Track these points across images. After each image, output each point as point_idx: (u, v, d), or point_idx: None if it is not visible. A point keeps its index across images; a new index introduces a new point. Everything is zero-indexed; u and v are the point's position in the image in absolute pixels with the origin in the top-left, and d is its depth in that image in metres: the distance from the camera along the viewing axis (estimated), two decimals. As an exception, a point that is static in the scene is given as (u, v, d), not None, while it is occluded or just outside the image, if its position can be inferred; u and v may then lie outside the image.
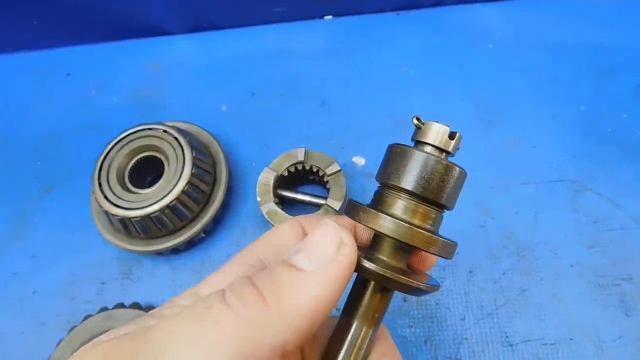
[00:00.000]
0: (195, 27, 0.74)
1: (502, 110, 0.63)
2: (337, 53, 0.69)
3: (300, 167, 0.56)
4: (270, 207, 0.53)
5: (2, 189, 0.64)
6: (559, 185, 0.58)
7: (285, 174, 0.55)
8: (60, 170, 0.65)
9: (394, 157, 0.30)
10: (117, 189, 0.54)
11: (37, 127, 0.69)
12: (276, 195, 0.55)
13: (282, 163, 0.56)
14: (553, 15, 0.70)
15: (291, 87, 0.67)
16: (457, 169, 0.30)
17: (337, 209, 0.52)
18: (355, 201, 0.30)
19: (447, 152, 0.30)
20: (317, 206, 0.55)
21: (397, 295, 0.52)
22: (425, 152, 0.29)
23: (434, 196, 0.29)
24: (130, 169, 0.56)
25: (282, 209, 0.54)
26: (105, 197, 0.53)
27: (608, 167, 0.58)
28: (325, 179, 0.55)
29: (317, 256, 0.25)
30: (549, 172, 0.58)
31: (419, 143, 0.31)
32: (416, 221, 0.29)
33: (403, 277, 0.28)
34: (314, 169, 0.56)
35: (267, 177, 0.55)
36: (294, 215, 0.53)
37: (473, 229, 0.55)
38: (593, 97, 0.63)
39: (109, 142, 0.56)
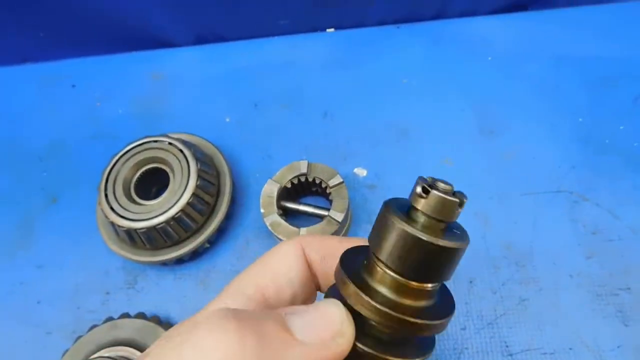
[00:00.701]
0: (200, 39, 0.75)
1: (501, 121, 0.64)
2: (339, 65, 0.71)
3: (303, 179, 0.57)
4: (273, 218, 0.54)
5: (9, 198, 0.65)
6: (558, 196, 0.59)
7: (289, 185, 0.56)
8: (66, 181, 0.66)
9: (383, 226, 0.26)
10: (123, 200, 0.54)
11: (43, 137, 0.70)
12: (279, 206, 0.56)
13: (285, 175, 0.56)
14: (551, 27, 0.71)
15: (294, 98, 0.69)
16: (458, 248, 0.25)
17: (339, 220, 0.53)
18: (344, 277, 0.26)
19: (447, 223, 0.26)
20: (320, 217, 0.56)
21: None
22: (418, 232, 0.24)
23: (427, 278, 0.25)
24: (136, 181, 0.56)
25: (286, 220, 0.54)
26: (112, 209, 0.54)
27: (607, 177, 0.59)
28: (327, 191, 0.56)
29: (312, 331, 0.25)
30: (548, 183, 0.59)
31: (413, 211, 0.25)
32: (407, 301, 0.25)
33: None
34: (317, 181, 0.57)
35: (270, 189, 0.56)
36: (297, 226, 0.54)
37: (473, 239, 0.55)
38: (592, 108, 0.64)
39: (115, 154, 0.57)
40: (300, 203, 0.58)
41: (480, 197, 0.59)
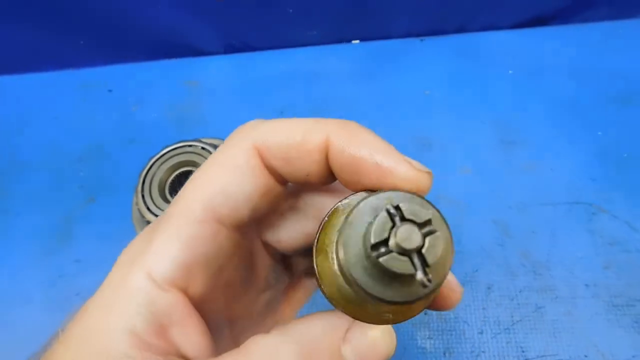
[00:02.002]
0: (231, 48, 0.79)
1: (521, 133, 0.66)
2: (364, 76, 0.73)
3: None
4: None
5: (50, 197, 0.69)
6: (576, 207, 0.60)
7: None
8: (103, 181, 0.70)
9: None
10: (159, 200, 0.58)
11: (81, 140, 0.74)
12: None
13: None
14: (572, 42, 0.73)
15: (319, 107, 0.71)
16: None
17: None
18: None
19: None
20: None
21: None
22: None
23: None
24: (171, 183, 0.60)
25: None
26: (148, 208, 0.57)
27: (624, 191, 0.60)
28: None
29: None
30: (567, 194, 0.61)
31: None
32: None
33: None
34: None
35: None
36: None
37: (492, 247, 0.58)
38: (611, 122, 0.66)
39: (152, 157, 0.61)
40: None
41: (499, 207, 0.60)
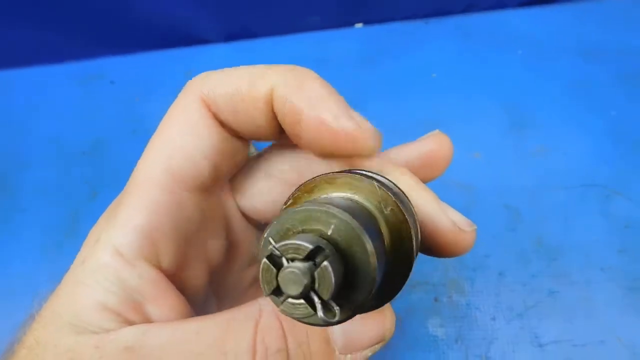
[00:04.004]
0: (231, 36, 0.77)
1: (532, 116, 0.64)
2: (368, 60, 0.72)
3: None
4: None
5: (56, 191, 0.68)
6: (590, 190, 0.58)
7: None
8: (107, 175, 0.69)
9: None
10: (163, 192, 0.57)
11: (85, 133, 0.73)
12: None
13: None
14: (582, 20, 0.70)
15: (324, 93, 0.70)
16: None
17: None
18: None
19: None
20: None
21: (428, 296, 0.54)
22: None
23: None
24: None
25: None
26: (152, 200, 0.56)
27: (639, 172, 0.59)
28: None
29: (352, 343, 0.24)
30: (580, 177, 0.59)
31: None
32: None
33: None
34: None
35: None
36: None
37: (503, 232, 0.57)
38: (624, 102, 0.64)
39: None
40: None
41: (510, 191, 0.59)
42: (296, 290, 0.16)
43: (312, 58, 0.73)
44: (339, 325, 0.22)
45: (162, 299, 0.24)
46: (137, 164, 0.26)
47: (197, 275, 0.28)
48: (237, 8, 0.74)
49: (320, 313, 0.17)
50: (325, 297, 0.17)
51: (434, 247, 0.26)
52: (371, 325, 0.23)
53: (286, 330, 0.22)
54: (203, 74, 0.27)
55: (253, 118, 0.25)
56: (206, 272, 0.28)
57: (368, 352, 0.24)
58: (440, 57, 0.70)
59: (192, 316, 0.25)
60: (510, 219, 0.57)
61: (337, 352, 0.23)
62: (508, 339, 0.51)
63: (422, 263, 0.54)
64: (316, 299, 0.17)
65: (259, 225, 0.31)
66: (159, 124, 0.26)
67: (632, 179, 0.58)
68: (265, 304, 0.23)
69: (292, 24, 0.76)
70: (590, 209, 0.57)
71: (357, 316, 0.20)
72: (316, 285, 0.17)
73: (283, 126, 0.26)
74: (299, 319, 0.17)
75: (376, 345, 0.24)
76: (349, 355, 0.23)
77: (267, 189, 0.29)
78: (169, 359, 0.21)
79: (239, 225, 0.30)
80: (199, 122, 0.25)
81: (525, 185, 0.59)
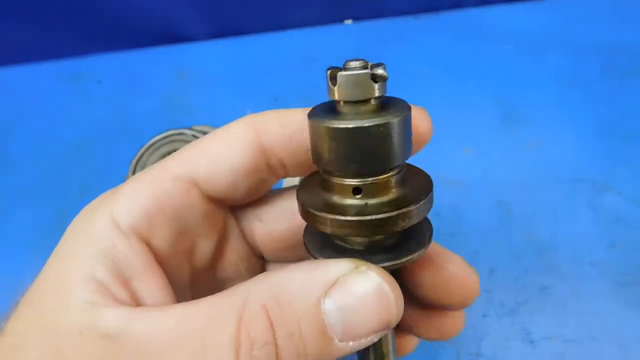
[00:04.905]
0: (220, 33, 0.77)
1: (522, 110, 0.64)
2: (358, 57, 0.71)
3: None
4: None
5: (44, 190, 0.67)
6: (580, 185, 0.58)
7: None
8: (94, 173, 0.68)
9: (313, 136, 0.24)
10: (150, 191, 0.56)
11: (72, 132, 0.72)
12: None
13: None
14: (572, 15, 0.70)
15: (313, 91, 0.69)
16: (381, 124, 0.22)
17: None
18: (305, 208, 0.24)
19: (365, 101, 0.23)
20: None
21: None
22: (338, 123, 0.22)
23: (376, 167, 0.23)
24: (162, 172, 0.58)
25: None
26: (139, 199, 0.56)
27: (629, 167, 0.59)
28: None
29: (353, 329, 0.21)
30: (570, 172, 0.59)
31: (335, 105, 0.24)
32: (373, 200, 0.23)
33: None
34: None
35: (291, 179, 0.57)
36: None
37: (494, 227, 0.57)
38: (614, 97, 0.64)
39: (142, 146, 0.59)
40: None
41: (501, 186, 0.59)
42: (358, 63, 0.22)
43: (302, 55, 0.73)
44: (337, 311, 0.21)
45: (151, 278, 0.24)
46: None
47: (181, 267, 0.28)
48: (225, 5, 0.73)
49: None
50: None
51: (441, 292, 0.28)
52: (374, 310, 0.21)
53: (274, 320, 0.21)
54: (260, 114, 0.28)
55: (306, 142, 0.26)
56: (188, 272, 0.29)
57: (373, 338, 0.22)
58: (430, 53, 0.70)
59: (174, 298, 0.25)
60: (500, 214, 0.57)
61: (336, 340, 0.21)
62: (499, 336, 0.51)
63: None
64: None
65: (254, 248, 0.32)
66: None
67: (621, 174, 0.58)
68: (249, 293, 0.21)
69: (281, 21, 0.75)
70: (580, 204, 0.57)
71: (358, 299, 0.21)
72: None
73: None
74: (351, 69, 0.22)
75: (383, 330, 0.22)
76: (350, 342, 0.21)
77: (276, 217, 0.30)
78: (146, 351, 0.21)
79: (233, 237, 0.31)
80: (239, 137, 0.26)
81: (515, 180, 0.59)
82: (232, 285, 0.32)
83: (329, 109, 0.24)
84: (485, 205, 0.58)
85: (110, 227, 0.24)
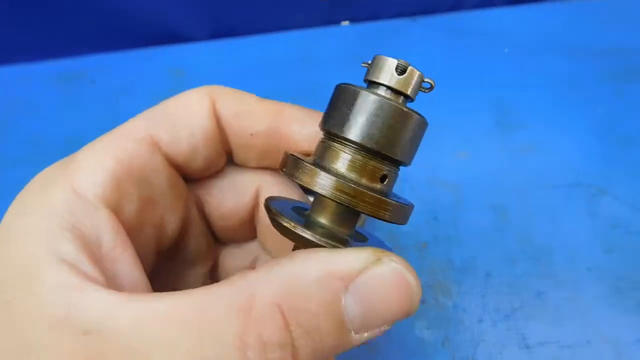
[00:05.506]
0: (216, 34, 0.76)
1: (519, 114, 0.64)
2: (354, 59, 0.70)
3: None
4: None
5: (34, 193, 0.66)
6: (577, 189, 0.58)
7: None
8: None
9: (339, 99, 0.25)
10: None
11: (64, 131, 0.71)
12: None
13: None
14: (569, 18, 0.70)
15: (309, 92, 0.69)
16: (416, 116, 0.25)
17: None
18: (295, 155, 0.25)
19: (405, 96, 0.26)
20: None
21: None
22: (377, 95, 0.25)
23: (386, 150, 0.24)
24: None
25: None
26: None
27: (626, 171, 0.58)
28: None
29: (372, 321, 0.20)
30: (567, 176, 0.59)
31: (370, 84, 0.26)
32: (364, 180, 0.24)
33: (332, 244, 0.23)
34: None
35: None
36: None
37: (490, 232, 0.56)
38: (611, 100, 0.63)
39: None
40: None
41: (497, 190, 0.58)
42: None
43: (299, 56, 0.72)
44: (356, 300, 0.20)
45: (123, 253, 0.22)
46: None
47: (146, 250, 0.25)
48: (222, 5, 0.73)
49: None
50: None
51: None
52: (397, 301, 0.20)
53: (290, 320, 0.19)
54: (218, 86, 0.28)
55: (253, 124, 0.27)
56: (153, 250, 0.26)
57: (386, 327, 0.21)
58: (427, 55, 0.69)
59: (144, 274, 0.22)
60: (497, 219, 0.57)
61: (352, 333, 0.20)
62: (495, 341, 0.51)
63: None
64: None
65: (209, 228, 0.31)
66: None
67: (618, 178, 0.58)
68: (257, 288, 0.19)
69: (278, 22, 0.74)
70: (577, 208, 0.57)
71: (381, 292, 0.20)
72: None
73: (279, 141, 0.28)
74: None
75: (409, 313, 0.21)
76: (365, 333, 0.20)
77: (231, 198, 0.30)
78: (134, 351, 0.18)
79: (193, 219, 0.29)
80: (197, 103, 0.26)
81: (512, 184, 0.59)
82: (194, 272, 0.30)
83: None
84: (482, 210, 0.57)
85: (72, 198, 0.21)
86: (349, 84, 0.26)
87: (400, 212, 0.25)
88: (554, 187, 0.58)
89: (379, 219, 0.24)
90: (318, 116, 0.27)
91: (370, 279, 0.20)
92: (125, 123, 0.25)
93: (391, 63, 0.26)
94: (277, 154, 0.28)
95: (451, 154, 0.61)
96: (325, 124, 0.26)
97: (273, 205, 0.25)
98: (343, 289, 0.20)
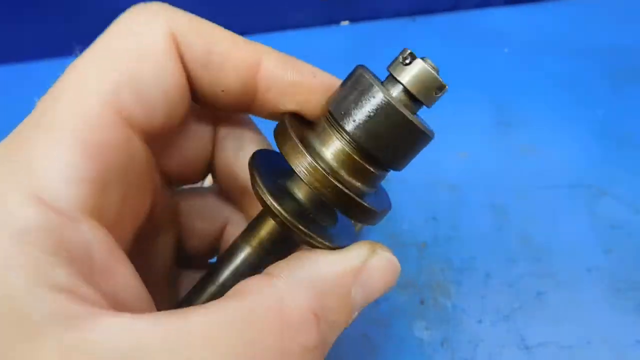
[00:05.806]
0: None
1: (519, 114, 0.63)
2: (354, 58, 0.70)
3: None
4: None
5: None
6: (577, 190, 0.58)
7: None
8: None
9: (353, 83, 0.24)
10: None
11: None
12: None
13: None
14: (569, 18, 0.70)
15: (309, 92, 0.69)
16: (422, 130, 0.24)
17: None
18: (290, 126, 0.25)
19: (420, 103, 0.25)
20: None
21: (414, 298, 0.53)
22: (388, 97, 0.23)
23: (380, 154, 0.24)
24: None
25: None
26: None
27: (627, 172, 0.58)
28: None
29: (368, 301, 0.24)
30: (567, 177, 0.59)
31: (391, 79, 0.25)
32: (344, 173, 0.24)
33: (304, 230, 0.23)
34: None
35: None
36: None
37: (490, 232, 0.56)
38: (612, 101, 0.63)
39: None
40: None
41: (497, 191, 0.58)
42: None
43: (298, 56, 0.71)
44: (361, 288, 0.23)
45: (117, 265, 0.18)
46: (53, 89, 0.19)
47: (126, 244, 0.21)
48: (221, 5, 0.72)
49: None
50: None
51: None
52: (387, 282, 0.24)
53: (321, 319, 0.20)
54: (164, 4, 0.22)
55: (224, 79, 0.23)
56: (132, 239, 0.22)
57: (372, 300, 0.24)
58: (426, 54, 0.69)
59: (142, 282, 0.20)
60: (497, 219, 0.57)
61: (355, 314, 0.23)
62: (494, 342, 0.51)
63: (408, 264, 0.53)
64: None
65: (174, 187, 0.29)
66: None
67: (619, 179, 0.58)
68: (290, 293, 0.20)
69: (278, 22, 0.74)
70: (577, 209, 0.57)
71: (378, 279, 0.24)
72: None
73: (263, 94, 0.25)
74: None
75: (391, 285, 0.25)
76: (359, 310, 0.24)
77: (194, 146, 0.27)
78: None
79: (160, 191, 0.25)
80: (163, 53, 0.20)
81: (512, 184, 0.59)
82: (162, 239, 0.27)
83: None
84: (482, 210, 0.57)
85: (47, 215, 0.16)
86: (367, 73, 0.24)
87: (366, 215, 0.24)
88: (554, 188, 0.58)
89: (349, 217, 0.25)
90: (301, 74, 0.26)
91: (370, 269, 0.23)
92: (79, 86, 0.19)
93: (423, 69, 0.24)
94: (246, 110, 0.26)
95: (451, 154, 0.61)
96: (331, 103, 0.25)
97: (262, 183, 0.24)
98: (353, 282, 0.23)
